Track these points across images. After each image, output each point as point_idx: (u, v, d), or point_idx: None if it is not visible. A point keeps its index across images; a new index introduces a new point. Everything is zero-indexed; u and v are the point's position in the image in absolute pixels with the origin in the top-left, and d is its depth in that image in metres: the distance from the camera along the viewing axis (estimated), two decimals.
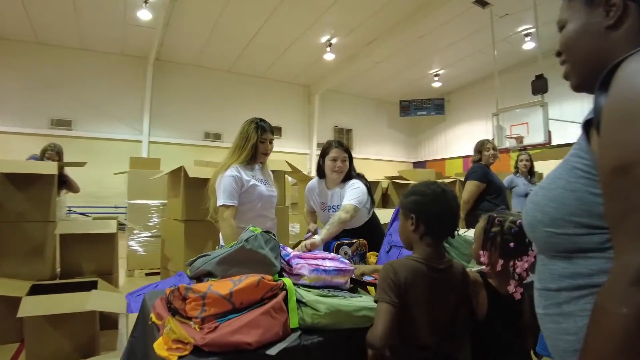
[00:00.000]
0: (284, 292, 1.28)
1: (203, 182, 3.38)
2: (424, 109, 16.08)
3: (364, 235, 2.31)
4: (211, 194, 2.33)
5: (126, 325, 2.30)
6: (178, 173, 3.46)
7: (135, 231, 4.93)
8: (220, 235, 2.31)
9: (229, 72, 12.59)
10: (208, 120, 12.18)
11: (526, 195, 4.42)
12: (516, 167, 4.60)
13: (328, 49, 10.96)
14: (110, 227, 2.95)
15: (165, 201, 4.98)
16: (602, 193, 0.63)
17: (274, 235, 1.51)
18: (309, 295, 1.28)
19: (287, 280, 1.33)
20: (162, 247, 3.82)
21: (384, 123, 16.48)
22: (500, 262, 1.29)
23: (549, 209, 0.72)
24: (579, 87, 0.79)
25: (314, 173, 4.98)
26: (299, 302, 1.29)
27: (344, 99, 15.37)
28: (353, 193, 2.38)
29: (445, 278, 1.24)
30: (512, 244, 1.28)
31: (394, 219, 2.19)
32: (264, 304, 1.22)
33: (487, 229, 1.33)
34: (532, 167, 4.54)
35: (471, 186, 3.54)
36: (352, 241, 2.15)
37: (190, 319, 1.17)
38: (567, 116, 10.05)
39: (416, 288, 1.17)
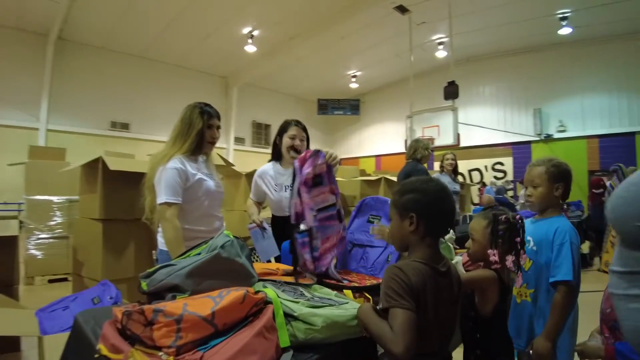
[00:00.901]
0: (270, 306, 1.10)
1: (125, 176, 2.97)
2: (340, 109, 16.52)
3: None
4: (148, 191, 2.01)
5: (38, 348, 1.89)
6: (94, 165, 3.00)
7: (34, 232, 4.23)
8: (159, 238, 2.01)
9: (140, 58, 11.50)
10: (115, 109, 10.99)
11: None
12: (442, 166, 4.81)
13: (249, 40, 10.60)
14: (11, 228, 2.41)
15: (71, 197, 4.37)
16: None
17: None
18: (299, 308, 1.12)
19: (271, 292, 1.15)
20: (73, 251, 3.30)
21: (301, 120, 16.46)
22: (511, 257, 1.31)
23: None
24: None
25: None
26: (288, 316, 1.11)
27: (263, 93, 15.07)
28: None
29: (447, 281, 1.18)
30: (518, 238, 1.35)
31: (354, 217, 2.09)
32: (251, 323, 1.03)
33: (495, 228, 1.34)
34: (456, 166, 4.79)
35: None
36: None
37: (159, 348, 0.94)
38: (471, 120, 10.99)
39: (426, 292, 1.08)
